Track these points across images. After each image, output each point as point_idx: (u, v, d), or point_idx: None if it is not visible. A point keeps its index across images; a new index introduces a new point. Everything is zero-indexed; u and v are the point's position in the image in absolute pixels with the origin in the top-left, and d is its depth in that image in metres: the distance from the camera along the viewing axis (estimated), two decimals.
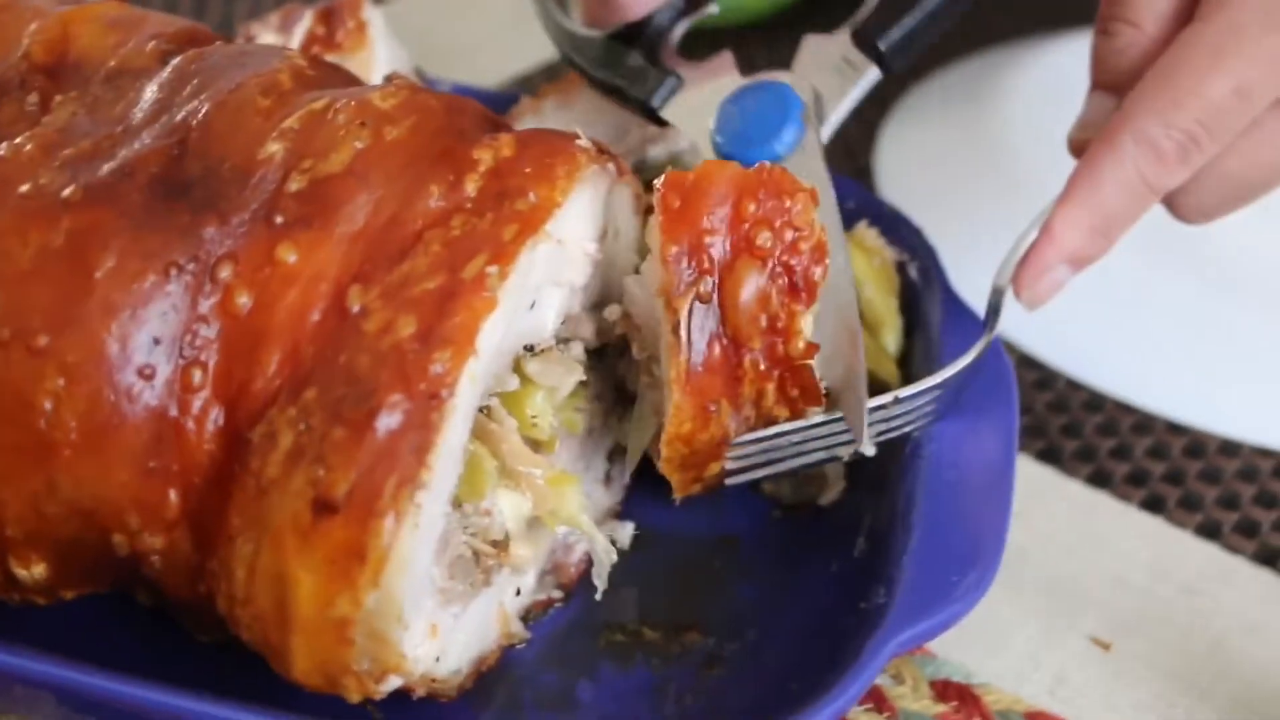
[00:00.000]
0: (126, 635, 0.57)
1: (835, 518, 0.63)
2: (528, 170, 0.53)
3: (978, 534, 0.57)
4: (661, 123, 0.64)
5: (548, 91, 0.70)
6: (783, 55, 0.65)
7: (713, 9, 0.66)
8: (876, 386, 0.61)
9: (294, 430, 0.48)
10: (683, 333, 0.54)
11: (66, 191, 0.50)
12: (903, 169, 0.86)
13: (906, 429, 0.60)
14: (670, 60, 0.66)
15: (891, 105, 0.92)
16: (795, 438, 0.57)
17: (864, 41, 0.62)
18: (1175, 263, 0.77)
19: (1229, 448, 0.72)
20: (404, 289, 0.50)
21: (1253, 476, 0.70)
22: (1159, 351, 0.75)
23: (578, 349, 0.57)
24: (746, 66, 0.65)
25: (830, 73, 0.62)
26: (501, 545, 0.54)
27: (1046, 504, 0.68)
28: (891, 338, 0.66)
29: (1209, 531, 0.68)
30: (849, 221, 0.68)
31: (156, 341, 0.50)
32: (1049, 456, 0.71)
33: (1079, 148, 0.61)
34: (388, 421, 0.47)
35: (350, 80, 0.57)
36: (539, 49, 0.96)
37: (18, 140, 0.52)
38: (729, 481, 0.58)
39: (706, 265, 0.54)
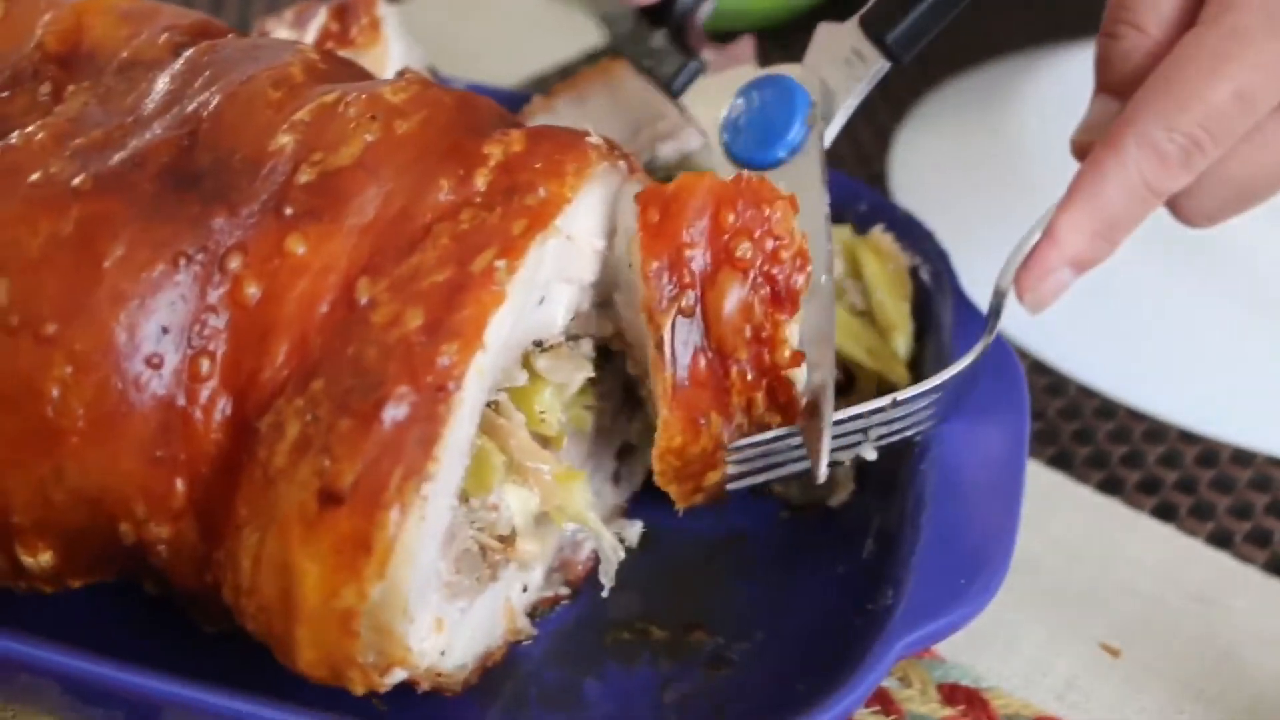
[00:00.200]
0: (132, 624, 0.57)
1: (844, 519, 0.63)
2: (538, 166, 0.53)
3: (987, 537, 0.56)
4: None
5: (560, 89, 0.70)
6: (800, 49, 0.65)
7: None
8: (887, 390, 0.61)
9: (301, 421, 0.48)
10: (666, 349, 0.54)
11: (77, 180, 0.51)
12: (917, 175, 0.87)
13: (908, 432, 0.60)
14: (695, 40, 0.68)
15: (906, 112, 0.92)
16: (793, 441, 0.57)
17: (871, 30, 0.62)
18: (1190, 271, 0.77)
19: (1242, 457, 0.71)
20: (412, 282, 0.50)
21: (1266, 486, 0.70)
22: (1172, 359, 0.75)
23: (587, 346, 0.57)
24: (764, 55, 0.66)
25: (840, 65, 0.63)
26: (508, 540, 0.54)
27: (1057, 510, 0.67)
28: (902, 341, 0.66)
29: (1221, 540, 0.67)
30: (863, 226, 0.68)
31: (165, 331, 0.50)
32: (1060, 463, 0.70)
33: (1082, 150, 0.61)
34: (394, 413, 0.47)
35: (362, 75, 0.58)
36: (554, 51, 0.96)
37: (29, 129, 0.53)
38: (730, 487, 0.58)
39: (688, 279, 0.54)
